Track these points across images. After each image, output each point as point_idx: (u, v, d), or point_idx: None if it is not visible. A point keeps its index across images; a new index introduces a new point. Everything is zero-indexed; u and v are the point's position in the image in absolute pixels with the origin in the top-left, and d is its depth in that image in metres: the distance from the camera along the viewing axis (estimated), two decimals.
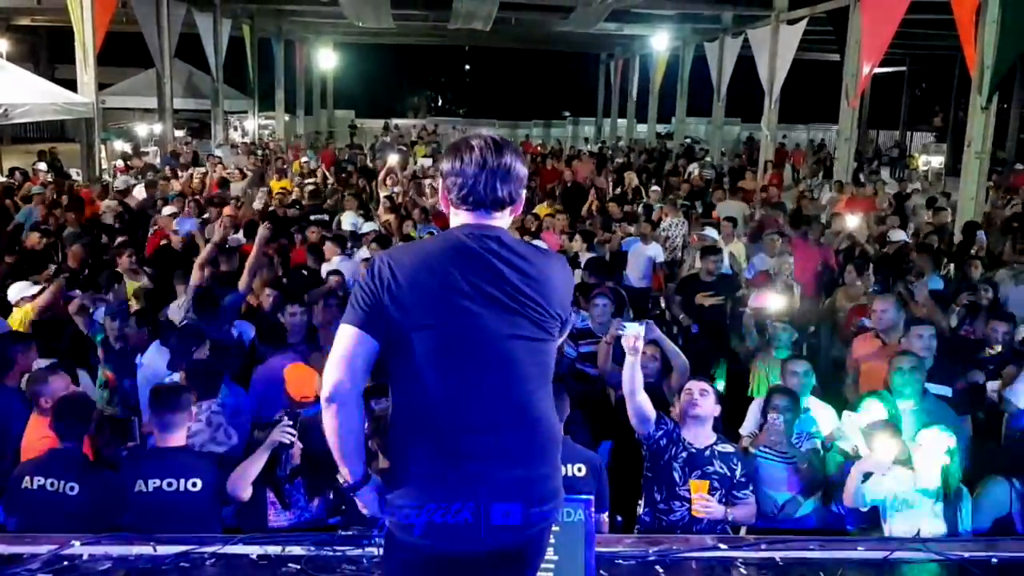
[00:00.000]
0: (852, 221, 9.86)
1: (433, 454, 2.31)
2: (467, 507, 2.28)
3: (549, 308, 2.37)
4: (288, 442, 3.98)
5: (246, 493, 3.91)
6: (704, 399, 4.19)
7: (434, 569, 2.35)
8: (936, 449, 4.00)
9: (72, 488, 3.83)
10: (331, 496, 4.17)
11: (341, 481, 2.48)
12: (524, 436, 2.36)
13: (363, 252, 8.48)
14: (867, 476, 4.09)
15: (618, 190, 14.81)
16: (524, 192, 2.47)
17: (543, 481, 2.39)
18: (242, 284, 6.68)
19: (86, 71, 14.51)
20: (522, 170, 2.41)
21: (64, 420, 4.03)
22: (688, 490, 4.01)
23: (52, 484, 3.84)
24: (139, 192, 12.40)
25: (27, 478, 3.89)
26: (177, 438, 3.96)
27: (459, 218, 2.41)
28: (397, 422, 2.39)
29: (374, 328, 2.31)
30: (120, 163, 18.30)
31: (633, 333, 4.89)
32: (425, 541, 2.31)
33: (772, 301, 6.16)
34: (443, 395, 2.30)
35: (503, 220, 2.42)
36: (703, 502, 3.94)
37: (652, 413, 4.13)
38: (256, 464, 3.94)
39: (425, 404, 2.31)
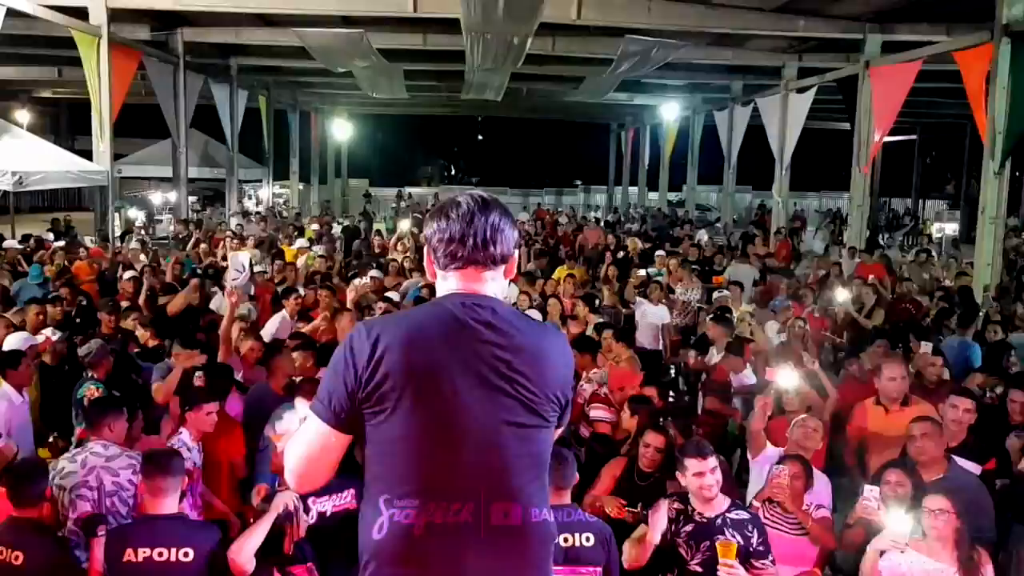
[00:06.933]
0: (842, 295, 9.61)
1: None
2: None
3: (547, 390, 2.14)
4: (292, 508, 3.76)
5: (249, 566, 3.68)
6: (714, 476, 3.92)
7: None
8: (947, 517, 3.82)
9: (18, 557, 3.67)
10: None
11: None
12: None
13: None
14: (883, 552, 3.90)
15: (620, 254, 14.84)
16: (516, 253, 2.25)
17: None
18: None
19: (102, 140, 14.70)
20: (511, 232, 2.19)
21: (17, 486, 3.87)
22: (710, 557, 3.74)
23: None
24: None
25: None
26: (168, 504, 3.79)
27: (448, 282, 2.19)
28: (372, 507, 2.12)
29: (346, 423, 2.11)
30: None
31: None
32: None
33: (785, 376, 5.89)
34: (425, 485, 2.06)
35: (497, 282, 2.20)
36: (729, 569, 3.62)
37: None
38: (258, 533, 3.72)
39: (403, 494, 2.06)
